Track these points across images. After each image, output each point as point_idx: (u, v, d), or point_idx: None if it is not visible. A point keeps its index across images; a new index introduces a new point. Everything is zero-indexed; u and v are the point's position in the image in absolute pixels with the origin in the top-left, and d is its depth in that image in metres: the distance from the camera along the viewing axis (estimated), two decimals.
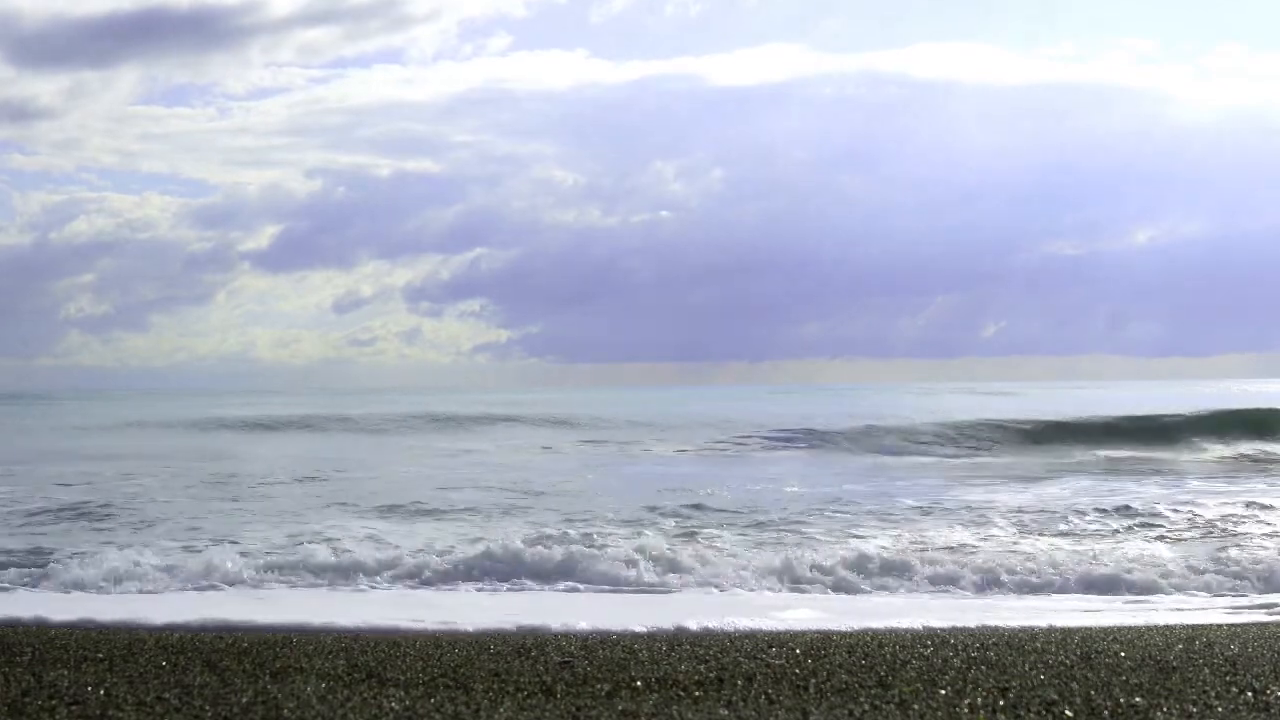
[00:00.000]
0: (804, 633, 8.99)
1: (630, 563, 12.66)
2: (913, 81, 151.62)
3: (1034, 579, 12.26)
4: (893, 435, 35.82)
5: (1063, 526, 16.14)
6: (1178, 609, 10.88)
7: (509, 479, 24.17)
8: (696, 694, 6.54)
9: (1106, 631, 8.87)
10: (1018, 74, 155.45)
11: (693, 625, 9.28)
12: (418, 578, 12.47)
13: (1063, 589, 11.97)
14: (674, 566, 12.65)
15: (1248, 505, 18.43)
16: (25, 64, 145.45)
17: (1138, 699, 6.26)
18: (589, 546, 13.44)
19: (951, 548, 14.09)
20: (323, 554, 13.28)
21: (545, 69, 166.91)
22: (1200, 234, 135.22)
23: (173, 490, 21.47)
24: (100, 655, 7.79)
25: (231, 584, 12.14)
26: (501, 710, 6.10)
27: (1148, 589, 11.94)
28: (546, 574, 12.44)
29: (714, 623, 9.40)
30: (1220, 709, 6.06)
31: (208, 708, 6.07)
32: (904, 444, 34.31)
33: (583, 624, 9.32)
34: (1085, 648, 7.97)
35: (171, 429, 46.46)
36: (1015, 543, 14.60)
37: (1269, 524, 16.27)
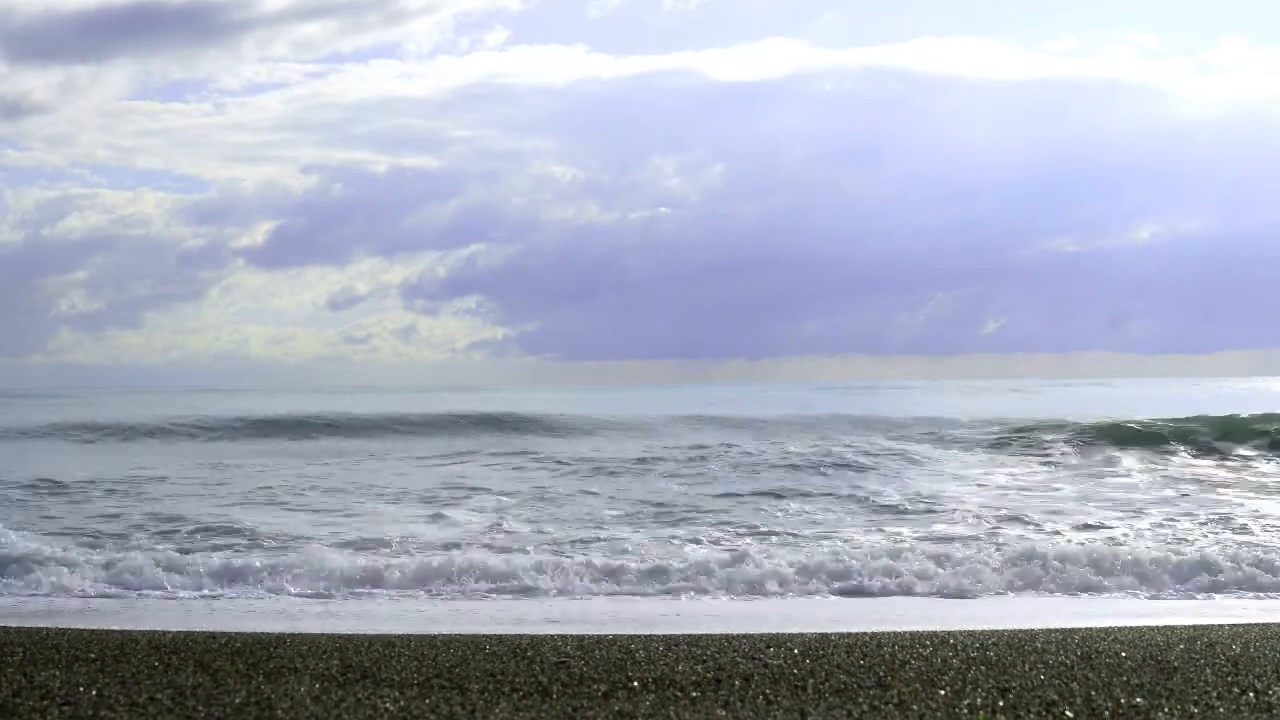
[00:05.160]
0: (802, 633, 8.94)
1: None
2: (914, 77, 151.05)
3: None
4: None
5: None
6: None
7: None
8: (694, 694, 6.49)
9: (1107, 631, 8.82)
10: (1019, 69, 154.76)
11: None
12: None
13: None
14: None
15: None
16: (17, 59, 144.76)
17: (1139, 699, 6.21)
18: None
19: None
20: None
21: (544, 64, 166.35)
22: (1202, 230, 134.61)
23: None
24: (92, 655, 7.74)
25: None
26: (497, 711, 6.05)
27: None
28: None
29: (710, 624, 9.37)
30: (1222, 709, 6.01)
31: (201, 708, 6.02)
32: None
33: None
34: (1086, 648, 7.92)
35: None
36: None
37: None
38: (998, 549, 14.39)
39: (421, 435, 40.39)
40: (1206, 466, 25.63)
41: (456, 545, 15.20)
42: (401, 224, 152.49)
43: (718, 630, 9.34)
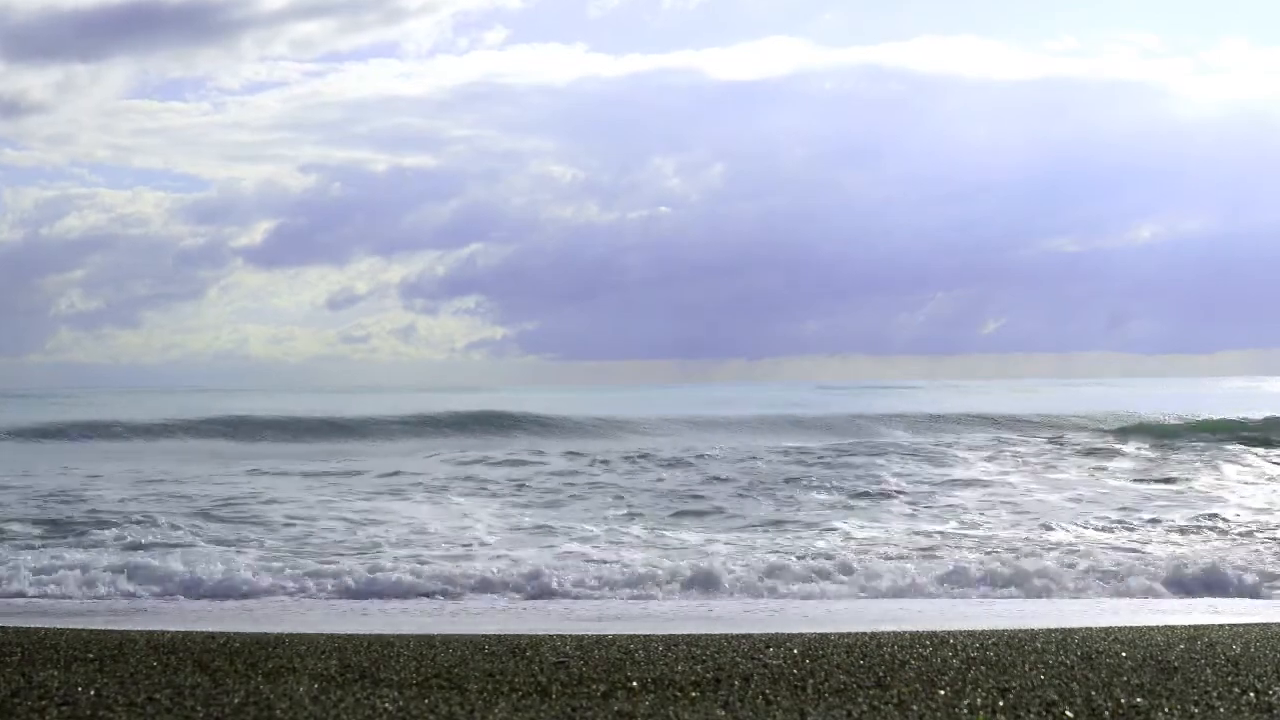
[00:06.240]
0: (801, 633, 8.92)
1: None
2: (914, 76, 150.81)
3: None
4: None
5: None
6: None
7: None
8: (693, 694, 6.48)
9: (1107, 631, 8.81)
10: (1020, 68, 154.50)
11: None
12: None
13: None
14: None
15: None
16: (16, 58, 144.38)
17: (1139, 699, 6.20)
18: None
19: None
20: None
21: (543, 63, 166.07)
22: (1202, 230, 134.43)
23: None
24: (91, 655, 7.73)
25: None
26: (496, 711, 6.04)
27: None
28: None
29: (709, 624, 9.35)
30: (1222, 709, 5.99)
31: (199, 708, 6.00)
32: None
33: None
34: (1086, 648, 7.90)
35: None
36: None
37: None
38: (1002, 549, 14.39)
39: (423, 435, 40.36)
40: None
41: (456, 543, 15.20)
42: (401, 223, 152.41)
43: (717, 630, 9.33)
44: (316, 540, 15.60)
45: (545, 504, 19.83)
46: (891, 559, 13.71)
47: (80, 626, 9.64)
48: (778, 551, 14.26)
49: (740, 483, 22.63)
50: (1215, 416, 35.03)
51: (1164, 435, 31.47)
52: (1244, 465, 25.66)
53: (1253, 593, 12.18)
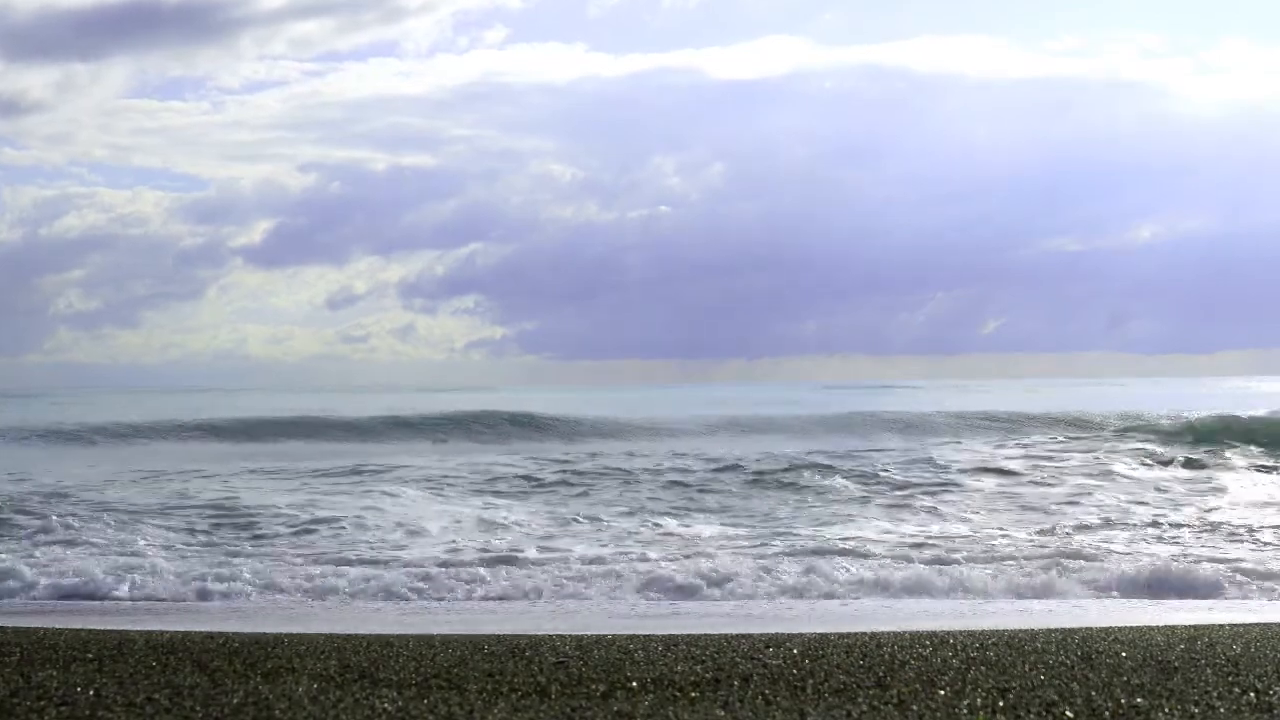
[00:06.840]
0: (801, 633, 8.91)
1: None
2: (915, 75, 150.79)
3: None
4: None
5: None
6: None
7: None
8: (693, 695, 6.47)
9: (1107, 631, 8.80)
10: (1021, 67, 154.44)
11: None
12: None
13: None
14: None
15: None
16: (15, 57, 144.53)
17: (1139, 699, 6.20)
18: None
19: None
20: None
21: (543, 62, 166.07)
22: (1202, 230, 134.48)
23: None
24: (90, 655, 7.72)
25: None
26: (496, 711, 6.03)
27: None
28: None
29: (709, 624, 9.34)
30: (1222, 709, 5.99)
31: (198, 708, 6.00)
32: None
33: None
34: (1086, 648, 7.90)
35: None
36: None
37: None
38: (1004, 547, 14.39)
39: (422, 434, 40.33)
40: None
41: (456, 543, 15.20)
42: (400, 223, 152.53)
43: (717, 630, 9.32)
44: (316, 539, 15.61)
45: (545, 503, 19.83)
46: (893, 558, 13.71)
47: (79, 626, 9.65)
48: (779, 550, 14.25)
49: (741, 481, 22.63)
50: (1216, 415, 34.97)
51: (1165, 434, 31.50)
52: (1245, 464, 25.65)
53: (1252, 593, 12.17)
